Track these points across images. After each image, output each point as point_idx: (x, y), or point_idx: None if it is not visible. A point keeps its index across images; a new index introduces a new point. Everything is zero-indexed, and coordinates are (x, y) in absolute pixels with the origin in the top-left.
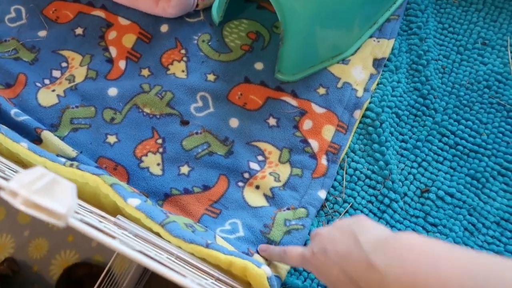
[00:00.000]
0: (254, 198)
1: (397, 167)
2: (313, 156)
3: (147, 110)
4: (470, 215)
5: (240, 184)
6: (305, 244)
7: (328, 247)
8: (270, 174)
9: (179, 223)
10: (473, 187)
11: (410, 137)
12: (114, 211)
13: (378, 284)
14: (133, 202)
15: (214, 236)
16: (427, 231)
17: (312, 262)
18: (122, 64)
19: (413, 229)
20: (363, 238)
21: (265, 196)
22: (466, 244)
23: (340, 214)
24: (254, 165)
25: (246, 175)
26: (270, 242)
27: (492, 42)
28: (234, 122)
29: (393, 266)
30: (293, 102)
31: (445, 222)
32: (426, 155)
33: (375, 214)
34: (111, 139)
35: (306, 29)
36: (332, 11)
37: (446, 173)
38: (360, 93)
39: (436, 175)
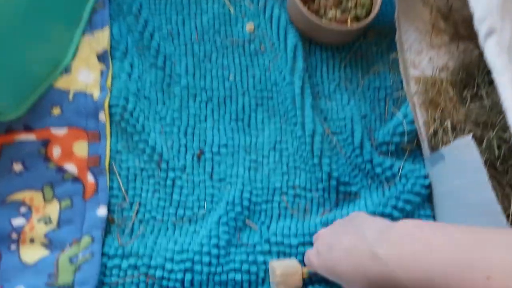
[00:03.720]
0: (32, 253)
1: (166, 146)
2: (76, 179)
3: None
4: (249, 154)
5: (13, 247)
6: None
7: (333, 243)
8: (39, 220)
9: None
10: (240, 128)
11: (167, 112)
12: None
13: (382, 272)
14: None
15: None
16: (218, 189)
17: (319, 261)
18: None
19: (204, 194)
20: (367, 232)
21: (43, 245)
22: (255, 181)
23: (132, 218)
24: (18, 221)
25: (14, 236)
26: None
27: None
28: None
29: (393, 253)
30: (30, 136)
31: (230, 172)
32: (188, 121)
33: (165, 200)
34: None
35: None
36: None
37: (212, 128)
38: (96, 95)
39: (205, 135)
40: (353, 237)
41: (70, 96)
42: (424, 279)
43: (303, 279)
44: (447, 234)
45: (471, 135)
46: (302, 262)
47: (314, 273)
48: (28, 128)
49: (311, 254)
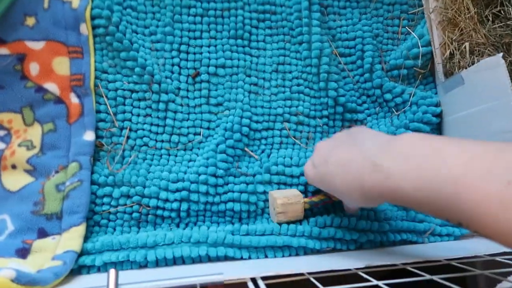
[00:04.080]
0: (15, 180)
1: (158, 65)
2: (59, 100)
3: None
4: (249, 76)
5: None
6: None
7: (330, 155)
8: (20, 145)
9: None
10: (240, 47)
11: (157, 26)
12: None
13: (383, 184)
14: None
15: None
16: (216, 114)
17: (315, 173)
18: None
19: (200, 120)
20: (368, 144)
21: (26, 171)
22: (255, 107)
23: (122, 144)
24: None
25: None
26: (49, 217)
27: None
28: None
29: (398, 163)
30: (2, 50)
31: (228, 96)
32: (181, 37)
33: (158, 125)
34: None
35: None
36: None
37: (209, 46)
38: (75, 3)
39: (200, 53)
40: (352, 148)
41: (45, 3)
42: (430, 190)
43: (304, 210)
44: (462, 144)
45: (501, 54)
46: (304, 193)
47: (316, 203)
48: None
49: (306, 167)
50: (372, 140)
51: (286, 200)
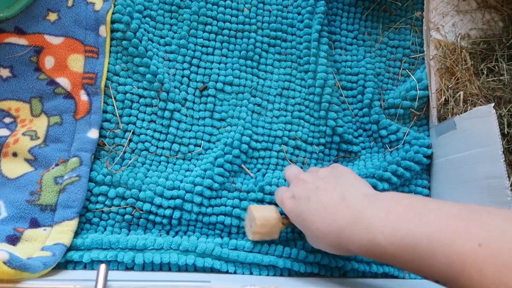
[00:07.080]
0: (14, 168)
1: (168, 74)
2: (68, 95)
3: None
4: (254, 96)
5: None
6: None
7: (312, 196)
8: (24, 134)
9: None
10: (248, 67)
11: (173, 37)
12: None
13: (362, 236)
14: None
15: None
16: (218, 128)
17: (293, 207)
18: None
19: (202, 132)
20: (350, 193)
21: (27, 160)
22: (257, 126)
23: (124, 147)
24: (1, 132)
25: None
26: (44, 208)
27: None
28: None
29: (377, 216)
30: (21, 41)
31: (232, 112)
32: (194, 51)
33: (161, 132)
34: None
35: None
36: None
37: (219, 63)
38: (98, 5)
39: (211, 68)
40: (335, 194)
41: (70, 1)
42: (408, 244)
43: (281, 232)
44: (440, 204)
45: (492, 104)
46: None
47: (292, 225)
48: (20, 32)
49: (285, 196)
50: (356, 189)
51: (265, 221)
